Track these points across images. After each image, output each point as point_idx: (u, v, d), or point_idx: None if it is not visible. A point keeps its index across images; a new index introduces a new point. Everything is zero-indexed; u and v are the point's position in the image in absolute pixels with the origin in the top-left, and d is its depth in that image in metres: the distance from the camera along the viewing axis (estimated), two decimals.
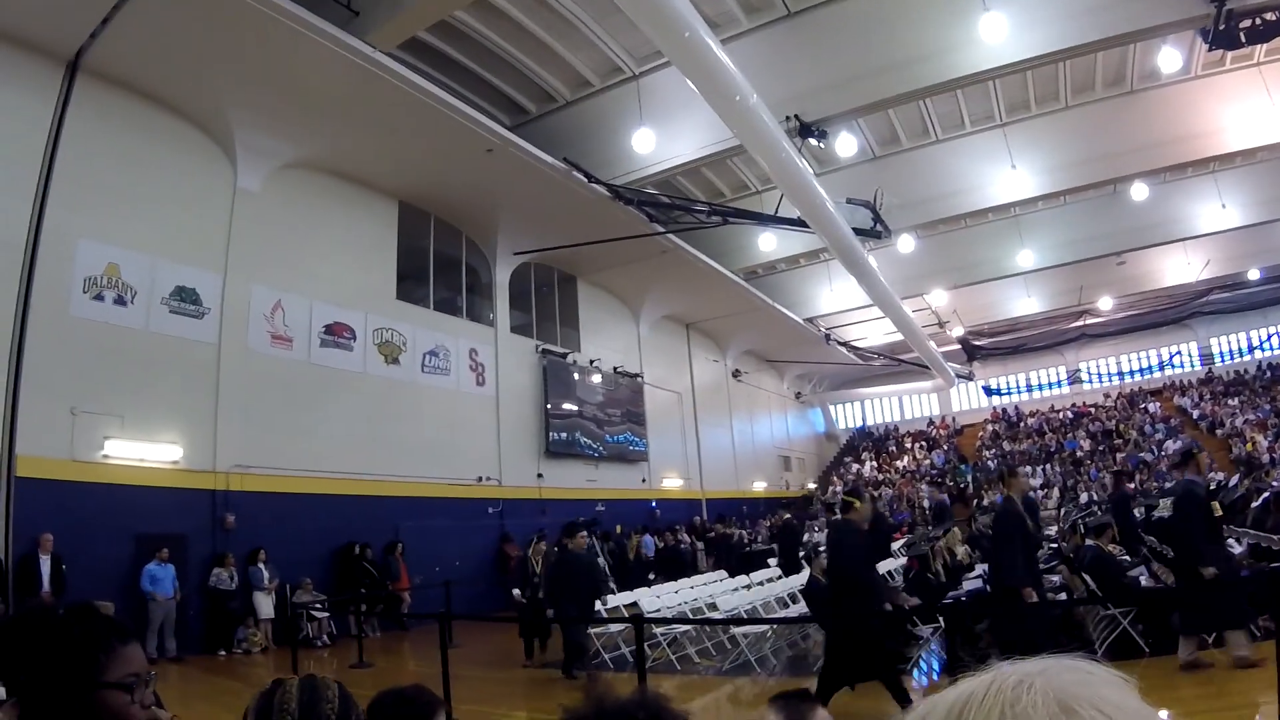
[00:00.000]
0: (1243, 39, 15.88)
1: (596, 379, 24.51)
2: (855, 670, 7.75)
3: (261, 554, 14.42)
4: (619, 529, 21.92)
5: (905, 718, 0.77)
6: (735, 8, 17.14)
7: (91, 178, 13.01)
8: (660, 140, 18.00)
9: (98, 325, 12.95)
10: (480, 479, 19.44)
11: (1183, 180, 25.52)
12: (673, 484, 27.67)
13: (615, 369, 25.38)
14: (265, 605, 14.36)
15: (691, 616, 13.40)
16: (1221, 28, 15.43)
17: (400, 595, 16.39)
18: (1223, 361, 40.94)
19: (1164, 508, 10.07)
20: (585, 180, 17.88)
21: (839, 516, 8.40)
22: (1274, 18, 15.43)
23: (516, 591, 12.30)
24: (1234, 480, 22.46)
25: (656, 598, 14.27)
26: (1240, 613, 8.24)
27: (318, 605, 14.90)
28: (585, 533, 11.78)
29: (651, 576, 20.36)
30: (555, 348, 23.08)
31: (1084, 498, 28.63)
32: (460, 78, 17.94)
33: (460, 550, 18.29)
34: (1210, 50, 17.44)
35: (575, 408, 23.25)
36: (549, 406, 22.23)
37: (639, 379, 26.58)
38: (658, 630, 12.30)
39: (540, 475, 21.49)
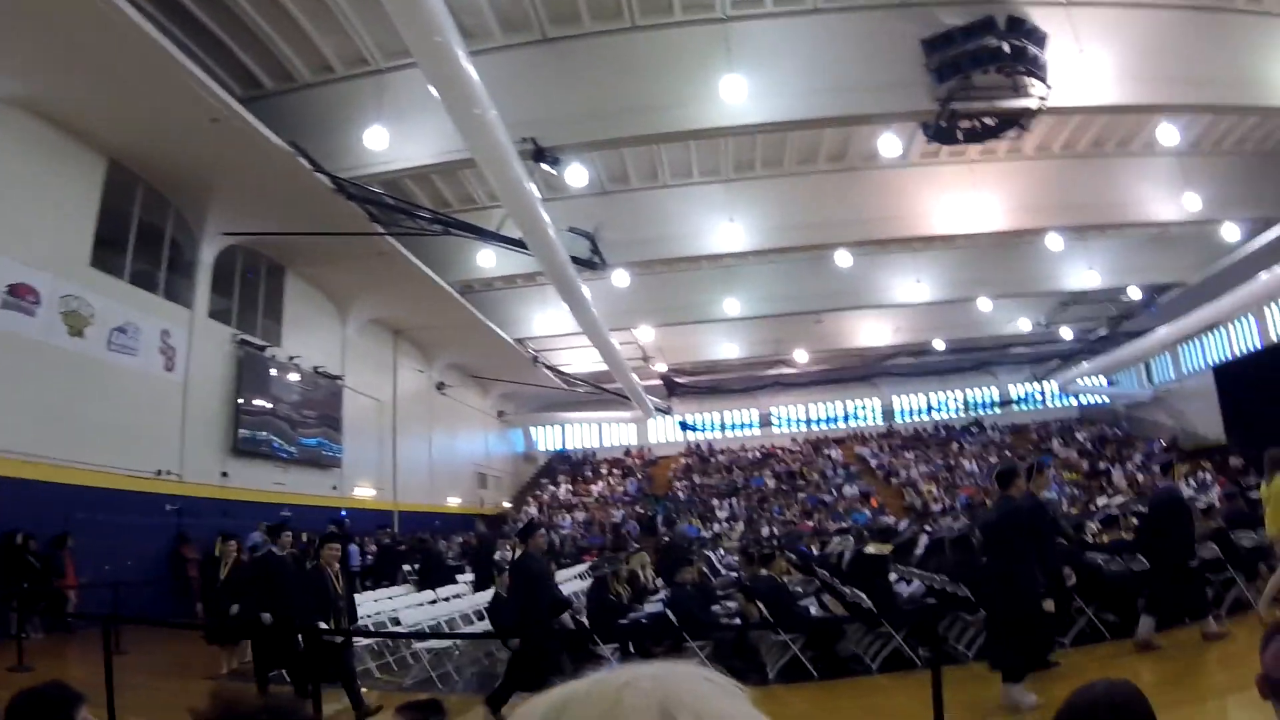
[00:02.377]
0: (960, 137, 17.29)
1: (294, 377, 23.22)
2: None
3: None
4: (305, 536, 20.79)
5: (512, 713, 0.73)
6: (493, 23, 17.04)
7: None
8: (394, 140, 17.54)
9: None
10: (159, 473, 17.82)
11: (885, 254, 27.68)
12: (365, 493, 26.76)
13: (316, 369, 24.20)
14: None
15: (373, 630, 12.99)
16: (943, 125, 16.78)
17: (66, 594, 14.81)
18: (902, 418, 44.99)
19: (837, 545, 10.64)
20: (309, 168, 16.98)
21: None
22: (992, 123, 16.88)
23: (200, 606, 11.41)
24: (904, 524, 24.33)
25: (419, 608, 13.81)
26: None
27: None
28: (544, 531, 10.95)
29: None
30: (254, 339, 21.65)
31: (765, 531, 30.14)
32: (199, 37, 16.59)
33: (134, 549, 16.65)
34: (929, 143, 18.85)
35: (269, 405, 21.88)
36: (241, 401, 20.76)
37: (339, 381, 25.54)
38: (419, 645, 11.94)
39: (225, 474, 20.02)
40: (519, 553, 11.01)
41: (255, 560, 11.85)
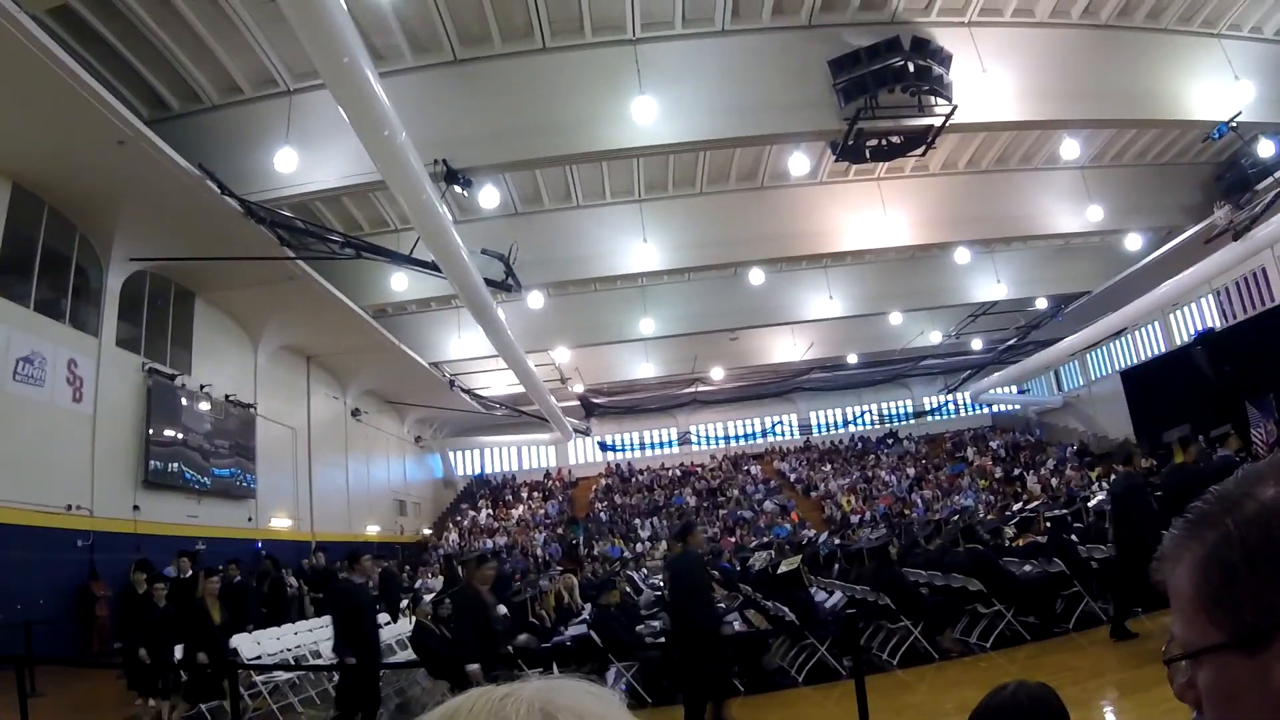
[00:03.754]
0: (867, 155, 17.73)
1: (205, 406, 22.50)
2: None
3: None
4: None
5: None
6: (403, 43, 16.99)
7: None
8: (304, 162, 17.27)
9: None
10: (70, 507, 17.13)
11: (797, 271, 28.16)
12: (281, 524, 26.10)
13: (227, 397, 23.55)
14: None
15: (294, 663, 12.79)
16: (850, 143, 17.15)
17: None
18: (819, 432, 45.63)
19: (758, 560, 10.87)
20: (218, 191, 16.58)
21: None
22: (898, 141, 17.31)
23: (144, 651, 10.78)
24: (824, 536, 24.75)
25: (257, 644, 13.41)
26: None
27: None
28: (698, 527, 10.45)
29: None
30: (164, 368, 20.98)
31: None
32: (104, 56, 16.13)
33: (46, 587, 15.91)
34: (837, 161, 19.25)
35: (180, 435, 21.15)
36: (151, 432, 20.06)
37: (252, 410, 24.98)
38: (257, 678, 11.65)
39: (137, 507, 19.33)
40: (678, 550, 10.64)
41: (333, 591, 11.37)
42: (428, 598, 16.30)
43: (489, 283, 19.59)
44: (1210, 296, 29.40)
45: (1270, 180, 21.40)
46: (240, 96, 17.98)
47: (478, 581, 9.65)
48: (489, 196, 19.58)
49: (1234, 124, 18.56)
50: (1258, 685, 0.88)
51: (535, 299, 24.57)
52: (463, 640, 9.76)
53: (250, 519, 24.24)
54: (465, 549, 33.62)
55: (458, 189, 17.22)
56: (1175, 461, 11.32)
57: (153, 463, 20.02)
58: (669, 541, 14.02)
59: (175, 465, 20.96)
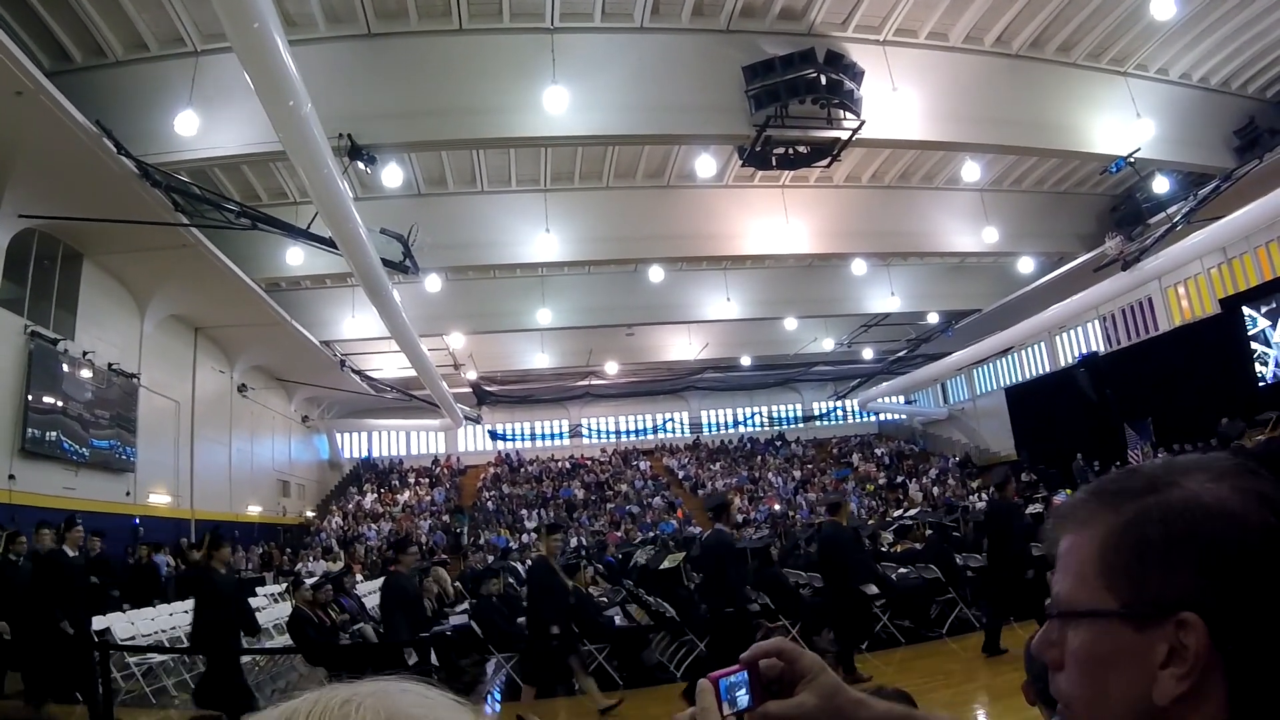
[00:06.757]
0: (774, 163, 17.99)
1: (87, 374, 21.54)
2: None
3: None
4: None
5: None
6: (317, 12, 16.60)
7: None
8: (205, 127, 16.58)
9: None
10: None
11: (697, 271, 28.47)
12: (160, 500, 25.21)
13: (110, 365, 22.65)
14: None
15: (169, 645, 12.51)
16: (758, 150, 17.40)
17: None
18: (710, 431, 46.30)
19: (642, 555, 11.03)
20: (114, 150, 15.94)
21: None
22: (805, 151, 17.63)
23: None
24: (708, 534, 25.08)
25: (131, 624, 13.07)
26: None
27: None
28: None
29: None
30: (47, 331, 20.02)
31: (574, 542, 30.43)
32: (9, 1, 15.28)
33: None
34: (744, 166, 19.53)
35: (60, 403, 20.21)
36: (30, 398, 19.07)
37: (135, 380, 24.06)
38: (130, 659, 11.38)
39: (12, 477, 18.33)
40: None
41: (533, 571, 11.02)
42: (309, 581, 16.08)
43: (386, 263, 19.30)
44: (1096, 322, 30.71)
45: (1162, 215, 22.40)
46: (146, 54, 17.21)
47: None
48: (392, 175, 19.25)
49: (1132, 159, 19.31)
50: (1136, 658, 0.94)
51: (433, 282, 24.29)
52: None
53: (128, 493, 23.36)
54: (349, 532, 33.22)
55: (361, 165, 16.85)
56: None
57: (30, 430, 19.05)
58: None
59: (54, 434, 20.02)
